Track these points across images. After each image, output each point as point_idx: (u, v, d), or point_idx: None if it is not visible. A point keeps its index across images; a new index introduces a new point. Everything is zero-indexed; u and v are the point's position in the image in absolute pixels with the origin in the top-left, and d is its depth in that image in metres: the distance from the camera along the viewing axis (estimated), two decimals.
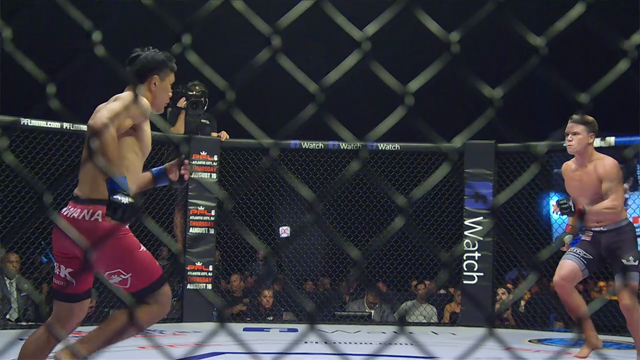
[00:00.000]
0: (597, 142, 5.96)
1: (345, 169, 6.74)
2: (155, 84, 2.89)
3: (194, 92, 6.71)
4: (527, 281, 6.75)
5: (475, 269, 6.50)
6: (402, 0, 1.32)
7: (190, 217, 6.41)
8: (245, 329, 6.04)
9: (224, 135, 6.67)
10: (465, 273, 6.52)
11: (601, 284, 7.06)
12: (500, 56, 8.46)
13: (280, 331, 6.05)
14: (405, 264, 6.97)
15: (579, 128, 4.25)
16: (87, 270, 2.81)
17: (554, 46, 1.38)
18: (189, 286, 6.34)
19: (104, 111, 2.67)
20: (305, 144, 6.68)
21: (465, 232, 6.54)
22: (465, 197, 6.61)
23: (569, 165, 4.42)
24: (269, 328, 6.24)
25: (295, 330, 6.08)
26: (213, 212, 6.45)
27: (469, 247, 6.51)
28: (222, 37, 8.71)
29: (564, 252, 4.45)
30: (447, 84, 3.99)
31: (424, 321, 6.88)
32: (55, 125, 5.82)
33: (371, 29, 1.29)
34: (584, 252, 4.34)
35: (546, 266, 6.71)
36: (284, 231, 7.56)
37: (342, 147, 6.71)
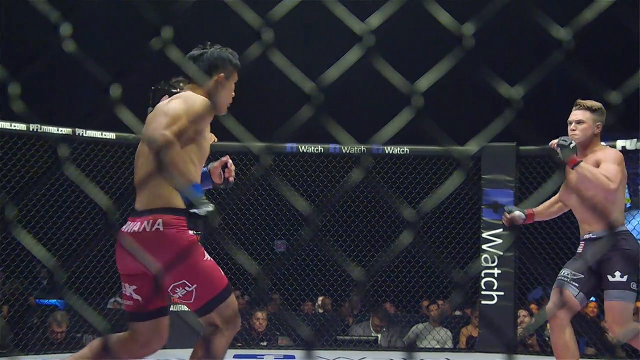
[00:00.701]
0: (633, 145, 5.95)
1: (347, 176, 6.74)
2: (220, 83, 3.00)
3: (178, 90, 6.71)
4: None
5: (495, 288, 6.49)
6: None
7: None
8: (236, 356, 6.03)
9: (212, 137, 6.67)
10: (483, 292, 6.52)
11: (639, 304, 7.04)
12: (521, 51, 8.47)
13: (275, 358, 6.04)
14: (416, 282, 6.96)
15: (585, 116, 4.06)
16: (159, 287, 2.94)
17: (577, 38, 1.38)
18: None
19: (163, 118, 2.79)
20: (303, 147, 6.67)
21: (484, 247, 6.53)
22: (483, 207, 6.60)
23: None
24: (263, 355, 6.23)
25: (292, 357, 6.07)
26: None
27: (488, 263, 6.50)
28: (207, 30, 8.71)
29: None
30: (463, 80, 3.99)
31: (438, 347, 6.87)
32: (21, 127, 5.82)
33: (375, 21, 1.29)
34: (573, 273, 4.06)
35: None
36: (280, 246, 7.55)
37: (344, 151, 6.70)
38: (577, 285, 4.03)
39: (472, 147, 5.84)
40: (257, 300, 7.07)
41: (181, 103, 2.86)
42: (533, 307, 7.02)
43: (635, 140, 5.96)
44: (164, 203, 2.78)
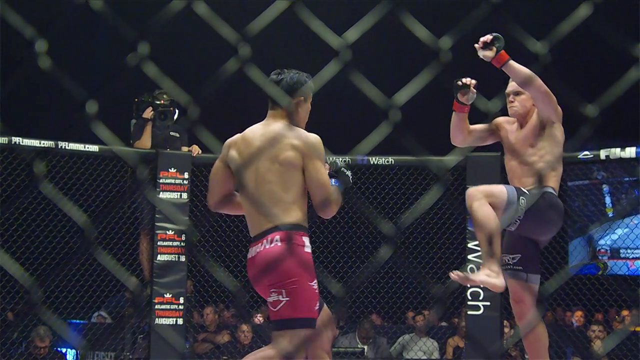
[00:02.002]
0: (616, 153, 5.99)
1: None
2: (300, 105, 3.13)
3: (162, 101, 6.69)
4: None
5: (481, 298, 6.49)
6: (386, 2, 1.32)
7: (158, 243, 6.37)
8: None
9: (196, 149, 6.65)
10: (469, 302, 6.52)
11: (624, 312, 7.07)
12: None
13: None
14: (402, 293, 6.96)
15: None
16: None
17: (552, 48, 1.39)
18: (157, 321, 6.30)
19: (320, 177, 3.24)
20: None
21: (469, 256, 6.53)
22: (468, 217, 6.61)
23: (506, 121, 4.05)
24: None
25: None
26: (184, 237, 6.41)
27: (474, 272, 6.50)
28: (185, 45, 8.70)
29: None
30: (445, 91, 3.96)
31: (424, 357, 6.86)
32: (2, 140, 5.76)
33: (352, 35, 1.29)
34: (510, 257, 3.91)
35: (561, 294, 6.72)
36: None
37: (329, 162, 6.69)
38: (520, 267, 3.90)
39: (454, 157, 5.85)
40: (242, 313, 7.05)
41: (319, 153, 3.25)
42: None
43: (619, 149, 5.99)
44: (278, 221, 3.02)
